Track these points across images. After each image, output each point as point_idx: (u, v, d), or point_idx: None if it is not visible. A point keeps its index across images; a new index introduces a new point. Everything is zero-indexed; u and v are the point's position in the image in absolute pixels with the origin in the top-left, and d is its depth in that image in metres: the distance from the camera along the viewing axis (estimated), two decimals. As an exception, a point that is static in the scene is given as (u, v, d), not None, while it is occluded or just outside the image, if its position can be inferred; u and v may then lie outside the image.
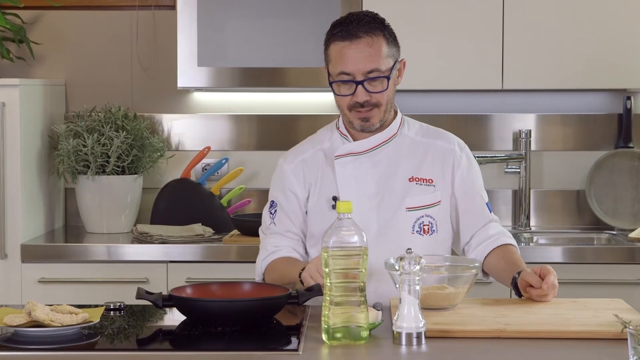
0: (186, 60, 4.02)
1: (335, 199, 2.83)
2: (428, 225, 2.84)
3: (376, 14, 2.82)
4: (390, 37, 2.78)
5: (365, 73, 2.72)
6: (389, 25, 2.80)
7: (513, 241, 2.89)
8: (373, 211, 2.83)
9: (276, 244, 2.88)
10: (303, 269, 2.64)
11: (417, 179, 2.86)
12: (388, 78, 2.74)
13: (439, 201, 2.87)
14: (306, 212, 2.90)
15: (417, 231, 2.84)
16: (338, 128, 2.91)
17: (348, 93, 2.76)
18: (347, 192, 2.83)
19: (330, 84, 2.78)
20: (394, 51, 2.79)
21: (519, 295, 2.69)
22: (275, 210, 2.91)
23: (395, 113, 2.89)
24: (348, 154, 2.85)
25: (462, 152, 2.91)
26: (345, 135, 2.88)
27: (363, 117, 2.78)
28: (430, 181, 2.86)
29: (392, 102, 2.83)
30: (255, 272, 2.92)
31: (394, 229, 2.83)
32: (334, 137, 2.91)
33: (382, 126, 2.85)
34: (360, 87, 2.73)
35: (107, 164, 4.05)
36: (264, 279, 2.88)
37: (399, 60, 2.81)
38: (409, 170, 2.86)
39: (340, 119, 2.90)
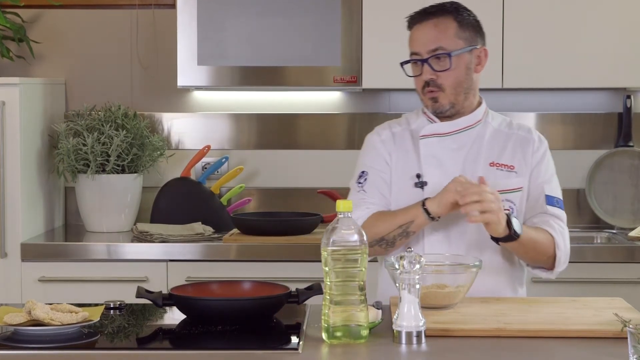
0: (186, 59, 4.02)
1: (419, 176, 2.85)
2: (509, 210, 2.80)
3: (459, 3, 2.87)
4: (465, 22, 2.83)
5: (429, 51, 2.80)
6: (466, 12, 2.85)
7: (554, 233, 2.81)
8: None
9: (375, 202, 2.87)
10: (426, 200, 2.70)
11: (497, 165, 2.87)
12: (449, 55, 2.78)
13: (521, 187, 2.87)
14: None
15: None
16: (425, 113, 2.93)
17: (417, 73, 2.84)
18: (431, 172, 2.85)
19: (401, 65, 2.86)
20: (468, 35, 2.83)
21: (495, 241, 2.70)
22: (365, 179, 2.91)
23: (480, 103, 2.92)
24: (433, 135, 2.88)
25: (542, 144, 2.93)
26: (432, 119, 2.91)
27: (432, 97, 2.83)
28: (511, 167, 2.88)
29: (467, 88, 2.84)
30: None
31: None
32: (419, 120, 2.94)
33: (464, 111, 2.87)
34: (425, 65, 2.81)
35: (107, 163, 4.05)
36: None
37: (477, 47, 2.85)
38: (490, 155, 2.88)
39: None
